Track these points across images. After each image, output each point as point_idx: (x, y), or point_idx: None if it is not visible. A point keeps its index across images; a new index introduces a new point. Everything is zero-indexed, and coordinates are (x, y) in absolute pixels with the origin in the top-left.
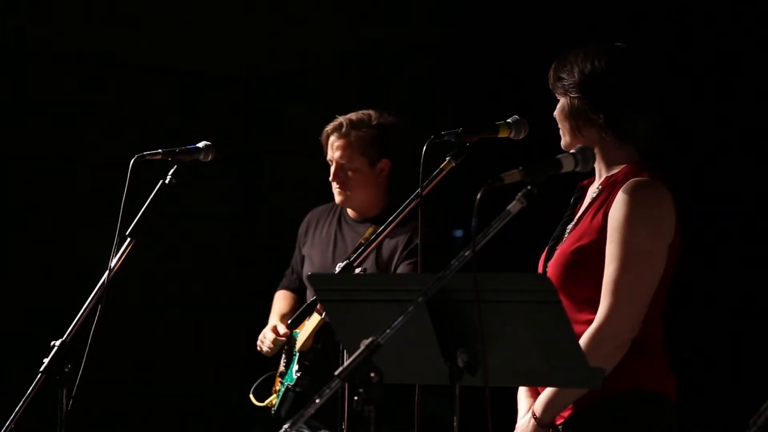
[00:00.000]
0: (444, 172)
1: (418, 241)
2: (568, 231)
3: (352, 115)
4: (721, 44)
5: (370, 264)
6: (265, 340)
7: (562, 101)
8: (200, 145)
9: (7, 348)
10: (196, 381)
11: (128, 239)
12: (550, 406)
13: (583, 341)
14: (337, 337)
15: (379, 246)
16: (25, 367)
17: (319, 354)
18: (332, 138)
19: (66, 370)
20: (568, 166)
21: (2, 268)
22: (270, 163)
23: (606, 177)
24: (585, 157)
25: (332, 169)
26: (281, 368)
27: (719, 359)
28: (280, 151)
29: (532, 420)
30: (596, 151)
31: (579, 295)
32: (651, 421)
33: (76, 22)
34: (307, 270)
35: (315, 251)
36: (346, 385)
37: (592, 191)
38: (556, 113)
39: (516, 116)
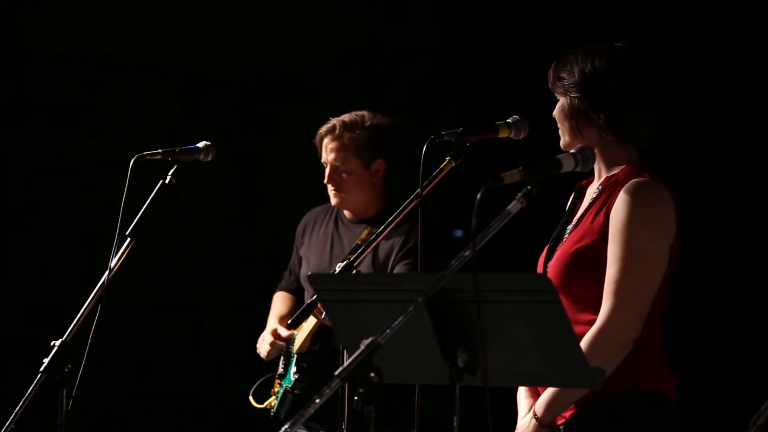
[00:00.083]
0: (444, 172)
1: (415, 241)
2: (568, 231)
3: (345, 117)
4: (721, 44)
5: (365, 265)
6: (264, 343)
7: (562, 101)
8: (200, 145)
9: (7, 348)
10: (196, 381)
11: (128, 239)
12: (552, 406)
13: (585, 342)
14: (337, 337)
15: (376, 247)
16: (25, 367)
17: (317, 356)
18: (326, 140)
19: (66, 370)
20: (568, 166)
21: (2, 268)
22: (270, 163)
23: (606, 177)
24: (585, 157)
25: (327, 171)
26: (280, 370)
27: (719, 359)
28: (280, 151)
29: (534, 420)
30: (596, 151)
31: (580, 295)
32: (651, 421)
33: (76, 22)
34: (304, 271)
35: (312, 252)
36: (346, 385)
37: (591, 191)
38: (555, 113)
39: (516, 116)
